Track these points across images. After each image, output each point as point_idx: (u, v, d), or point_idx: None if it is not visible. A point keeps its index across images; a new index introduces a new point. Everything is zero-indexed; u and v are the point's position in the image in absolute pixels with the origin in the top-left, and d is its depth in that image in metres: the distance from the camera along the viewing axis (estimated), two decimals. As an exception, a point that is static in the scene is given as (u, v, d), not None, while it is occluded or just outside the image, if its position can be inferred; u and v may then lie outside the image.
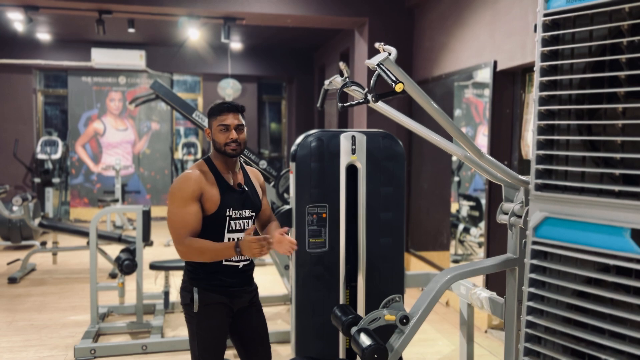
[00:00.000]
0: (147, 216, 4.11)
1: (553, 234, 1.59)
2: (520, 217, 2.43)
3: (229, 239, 2.26)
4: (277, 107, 11.08)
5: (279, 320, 4.50)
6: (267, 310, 4.70)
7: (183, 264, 4.24)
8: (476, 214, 6.65)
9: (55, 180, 8.86)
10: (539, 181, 1.63)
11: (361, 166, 3.05)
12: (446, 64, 5.02)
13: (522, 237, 2.53)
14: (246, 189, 2.33)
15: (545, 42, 1.61)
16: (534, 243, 1.63)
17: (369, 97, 2.49)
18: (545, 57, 1.62)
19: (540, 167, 1.63)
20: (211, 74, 9.57)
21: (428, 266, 5.38)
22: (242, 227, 2.30)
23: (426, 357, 3.83)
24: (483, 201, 6.64)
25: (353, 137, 3.02)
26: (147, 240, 4.13)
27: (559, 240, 1.57)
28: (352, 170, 3.05)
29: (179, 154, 9.35)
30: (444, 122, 2.18)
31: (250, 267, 2.39)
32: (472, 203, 6.84)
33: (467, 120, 6.23)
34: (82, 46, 8.89)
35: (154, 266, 4.26)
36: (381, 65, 2.01)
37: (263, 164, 3.99)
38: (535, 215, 1.63)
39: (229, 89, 9.44)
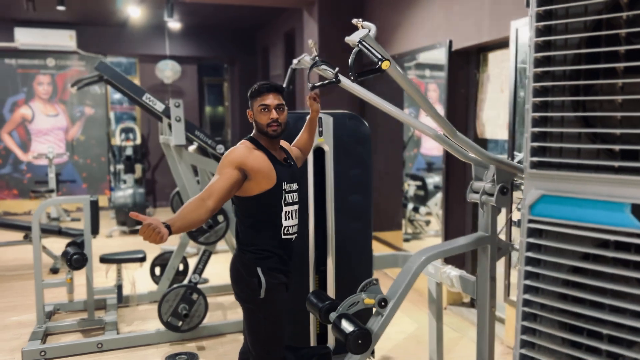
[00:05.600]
0: (95, 206, 3.85)
1: (549, 211, 1.58)
2: (491, 195, 2.45)
3: (286, 212, 2.28)
4: (218, 89, 10.75)
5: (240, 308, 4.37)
6: (228, 299, 4.56)
7: (137, 255, 4.07)
8: (422, 193, 6.75)
9: (-20, 171, 8.20)
10: (534, 159, 1.62)
11: (328, 149, 2.97)
12: (400, 44, 5.00)
13: (493, 215, 2.55)
14: (292, 163, 2.39)
15: (539, 17, 1.59)
16: (530, 221, 1.62)
17: (340, 77, 2.41)
18: (539, 32, 1.59)
19: (535, 144, 1.62)
20: (148, 55, 9.11)
21: (383, 246, 5.42)
22: (294, 200, 2.32)
23: (390, 336, 3.86)
24: (428, 180, 6.76)
25: (320, 119, 2.94)
26: (96, 232, 3.88)
27: (555, 218, 1.56)
28: (319, 152, 2.97)
29: (117, 140, 8.87)
30: (421, 101, 2.14)
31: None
32: (418, 183, 6.94)
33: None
34: (4, 25, 8.19)
35: (104, 259, 4.02)
36: (363, 42, 1.92)
37: (220, 148, 3.80)
38: (531, 193, 1.62)
39: (167, 71, 9.04)
